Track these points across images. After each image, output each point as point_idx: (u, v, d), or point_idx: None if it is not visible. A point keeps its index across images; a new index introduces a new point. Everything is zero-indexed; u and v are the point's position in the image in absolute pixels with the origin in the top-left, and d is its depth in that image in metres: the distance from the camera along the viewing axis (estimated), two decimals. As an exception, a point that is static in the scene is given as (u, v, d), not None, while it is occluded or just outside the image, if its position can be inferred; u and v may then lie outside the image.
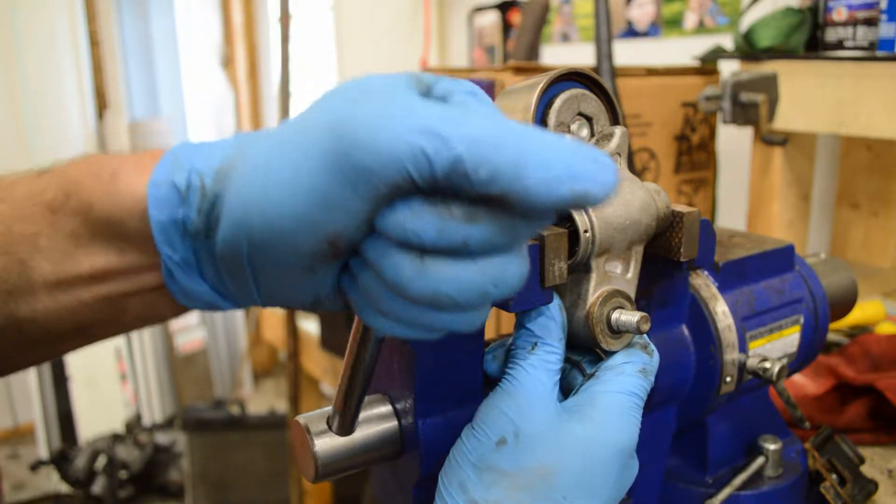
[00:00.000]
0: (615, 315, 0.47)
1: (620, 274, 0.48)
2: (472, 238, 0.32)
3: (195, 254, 0.39)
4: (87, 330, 0.43)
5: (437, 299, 0.34)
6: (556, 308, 0.46)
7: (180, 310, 0.43)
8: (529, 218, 0.33)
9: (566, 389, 0.48)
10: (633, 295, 0.49)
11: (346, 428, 0.44)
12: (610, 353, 0.48)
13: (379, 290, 0.35)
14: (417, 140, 0.31)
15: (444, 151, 0.31)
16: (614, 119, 0.52)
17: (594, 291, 0.47)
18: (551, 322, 0.45)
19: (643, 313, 0.45)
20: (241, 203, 0.35)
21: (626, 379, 0.45)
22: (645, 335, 0.48)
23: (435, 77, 0.38)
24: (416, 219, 0.32)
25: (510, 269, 0.34)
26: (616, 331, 0.47)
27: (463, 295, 0.33)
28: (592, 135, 0.51)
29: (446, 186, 0.32)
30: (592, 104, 0.51)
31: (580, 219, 0.46)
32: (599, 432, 0.43)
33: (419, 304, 0.34)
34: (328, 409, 0.47)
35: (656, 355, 0.48)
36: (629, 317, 0.46)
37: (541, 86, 0.48)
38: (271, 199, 0.34)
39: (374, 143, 0.31)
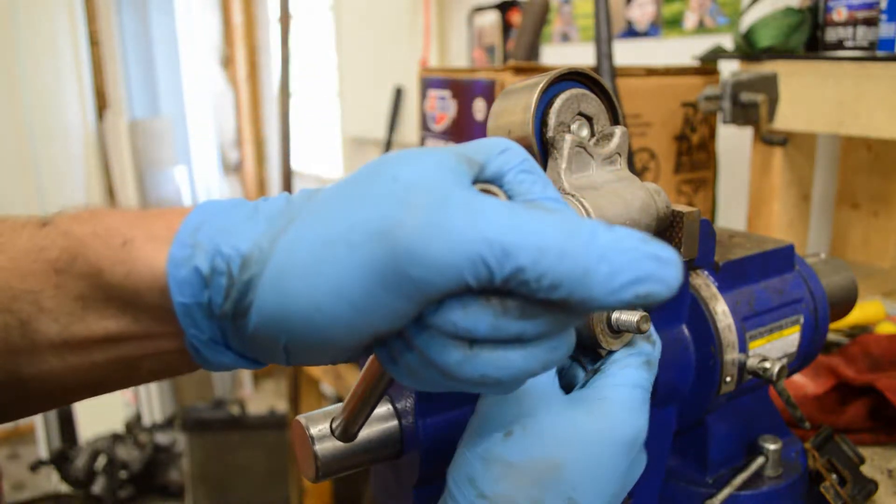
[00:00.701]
0: (615, 314, 0.46)
1: None
2: (527, 332, 0.32)
3: (222, 331, 0.37)
4: (97, 386, 0.42)
5: (482, 382, 0.34)
6: None
7: (197, 367, 0.42)
8: (586, 312, 0.33)
9: (567, 385, 0.48)
10: None
11: (350, 437, 0.43)
12: (610, 353, 0.47)
13: (420, 367, 0.35)
14: (478, 250, 0.30)
15: (506, 263, 0.30)
16: (614, 119, 0.52)
17: None
18: None
19: (643, 312, 0.45)
20: (280, 302, 0.34)
21: (632, 372, 0.45)
22: None
23: (486, 153, 0.37)
24: (469, 317, 0.32)
25: (558, 351, 0.34)
26: (616, 330, 0.47)
27: (509, 377, 0.34)
28: (592, 134, 0.51)
29: (504, 288, 0.31)
30: (593, 104, 0.51)
31: None
32: (609, 425, 0.43)
33: (463, 383, 0.34)
34: (329, 408, 0.47)
35: (658, 344, 0.48)
36: (629, 316, 0.46)
37: (541, 85, 0.48)
38: (314, 305, 0.33)
39: (430, 256, 0.30)
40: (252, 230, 0.36)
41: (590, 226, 0.31)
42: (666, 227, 0.51)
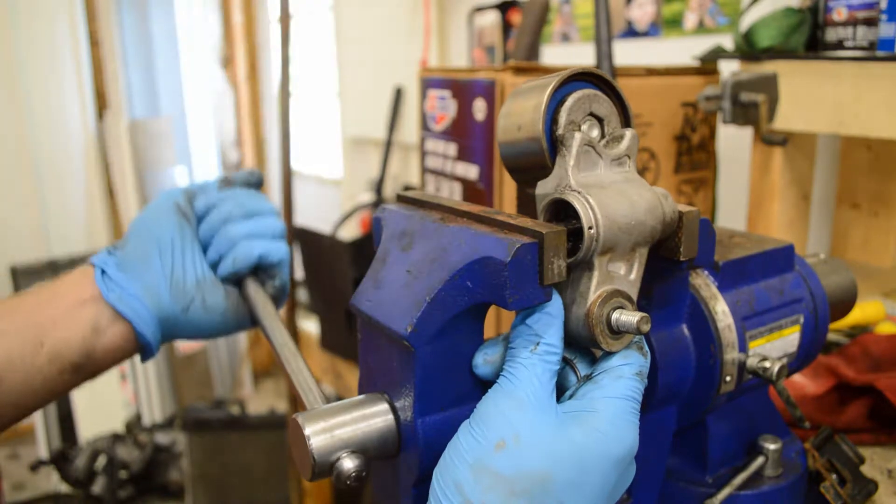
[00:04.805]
0: (615, 315, 0.46)
1: (623, 275, 0.48)
2: None
3: (115, 259, 0.65)
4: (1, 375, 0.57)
5: None
6: (557, 307, 0.46)
7: (94, 338, 0.60)
8: None
9: (559, 388, 0.48)
10: (635, 297, 0.48)
11: (319, 398, 0.49)
12: (606, 352, 0.47)
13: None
14: None
15: None
16: (626, 121, 0.52)
17: (595, 290, 0.46)
18: (553, 320, 0.45)
19: (643, 314, 0.45)
20: None
21: (625, 383, 0.45)
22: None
23: None
24: None
25: None
26: (616, 331, 0.46)
27: None
28: (603, 136, 0.51)
29: None
30: (605, 105, 0.50)
31: (585, 215, 0.45)
32: (601, 440, 0.43)
33: None
34: (326, 406, 0.47)
35: (649, 356, 0.48)
36: (629, 317, 0.45)
37: (553, 84, 0.48)
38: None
39: None
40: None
41: None
42: (672, 233, 0.50)
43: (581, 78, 0.50)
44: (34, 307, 0.59)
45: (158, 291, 0.62)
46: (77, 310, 0.59)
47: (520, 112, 0.50)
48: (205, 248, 0.67)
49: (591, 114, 0.50)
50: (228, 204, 0.67)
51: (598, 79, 0.51)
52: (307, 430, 0.44)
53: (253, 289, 0.66)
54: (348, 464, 0.44)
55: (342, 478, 0.44)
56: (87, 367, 0.60)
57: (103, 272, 0.61)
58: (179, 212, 0.66)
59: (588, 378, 0.47)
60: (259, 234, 0.66)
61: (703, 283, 0.60)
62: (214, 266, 0.67)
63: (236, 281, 0.67)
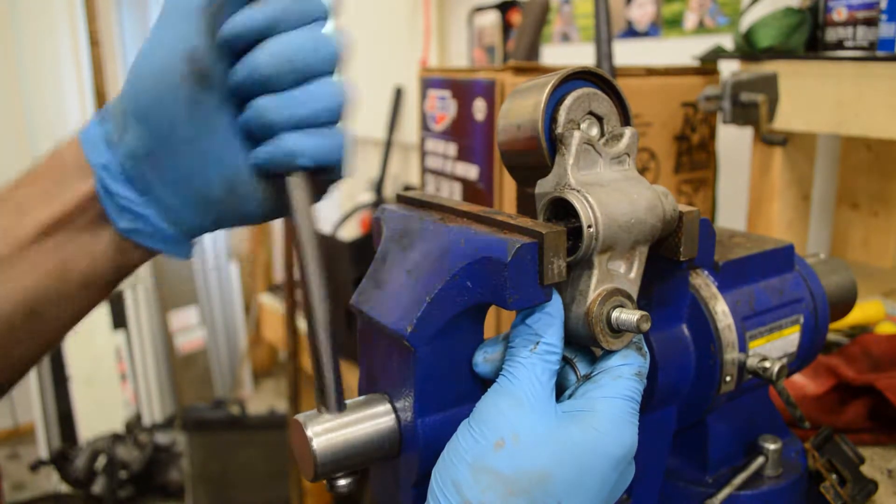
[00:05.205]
0: (615, 314, 0.46)
1: (623, 273, 0.48)
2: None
3: (117, 160, 0.49)
4: (37, 309, 0.50)
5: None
6: (557, 307, 0.46)
7: (123, 257, 0.52)
8: None
9: (558, 387, 0.48)
10: (635, 295, 0.48)
11: (335, 402, 0.46)
12: (606, 351, 0.47)
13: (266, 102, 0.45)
14: None
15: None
16: (625, 119, 0.52)
17: (595, 289, 0.47)
18: (553, 320, 0.45)
19: (643, 312, 0.45)
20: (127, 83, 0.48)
21: (624, 383, 0.45)
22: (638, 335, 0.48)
23: None
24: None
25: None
26: (616, 330, 0.46)
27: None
28: (602, 134, 0.51)
29: None
30: (604, 104, 0.50)
31: (584, 213, 0.45)
32: (600, 440, 0.43)
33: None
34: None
35: (648, 356, 0.48)
36: (629, 315, 0.45)
37: (552, 83, 0.48)
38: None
39: None
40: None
41: None
42: (671, 231, 0.50)
43: (580, 76, 0.50)
44: (48, 230, 0.50)
45: (179, 214, 0.50)
46: (95, 235, 0.50)
47: (519, 111, 0.50)
48: (241, 102, 0.47)
49: (591, 112, 0.50)
50: (263, 53, 0.45)
51: (597, 77, 0.51)
52: (309, 432, 0.44)
53: (297, 197, 0.48)
54: (341, 483, 0.46)
55: (338, 493, 0.45)
56: (121, 278, 0.55)
57: (107, 190, 0.49)
58: (192, 73, 0.46)
59: (587, 377, 0.47)
60: (308, 121, 0.46)
61: (703, 283, 0.60)
62: (250, 137, 0.48)
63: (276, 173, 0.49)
